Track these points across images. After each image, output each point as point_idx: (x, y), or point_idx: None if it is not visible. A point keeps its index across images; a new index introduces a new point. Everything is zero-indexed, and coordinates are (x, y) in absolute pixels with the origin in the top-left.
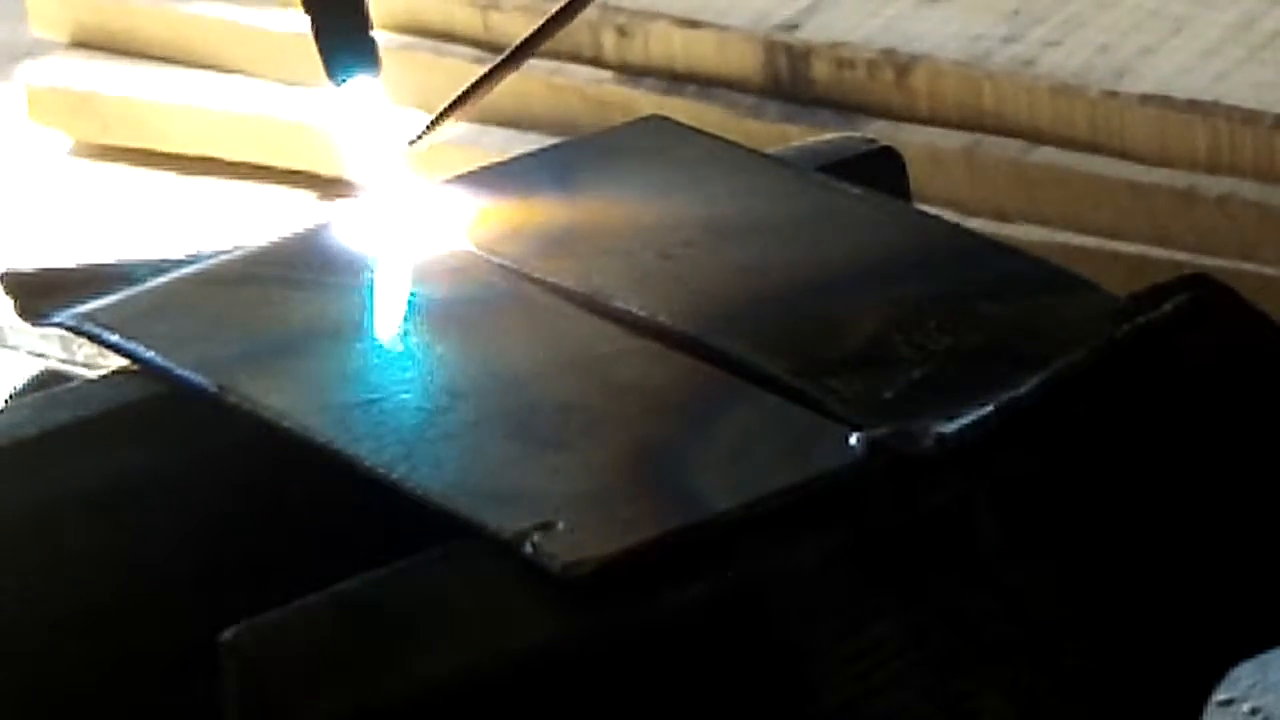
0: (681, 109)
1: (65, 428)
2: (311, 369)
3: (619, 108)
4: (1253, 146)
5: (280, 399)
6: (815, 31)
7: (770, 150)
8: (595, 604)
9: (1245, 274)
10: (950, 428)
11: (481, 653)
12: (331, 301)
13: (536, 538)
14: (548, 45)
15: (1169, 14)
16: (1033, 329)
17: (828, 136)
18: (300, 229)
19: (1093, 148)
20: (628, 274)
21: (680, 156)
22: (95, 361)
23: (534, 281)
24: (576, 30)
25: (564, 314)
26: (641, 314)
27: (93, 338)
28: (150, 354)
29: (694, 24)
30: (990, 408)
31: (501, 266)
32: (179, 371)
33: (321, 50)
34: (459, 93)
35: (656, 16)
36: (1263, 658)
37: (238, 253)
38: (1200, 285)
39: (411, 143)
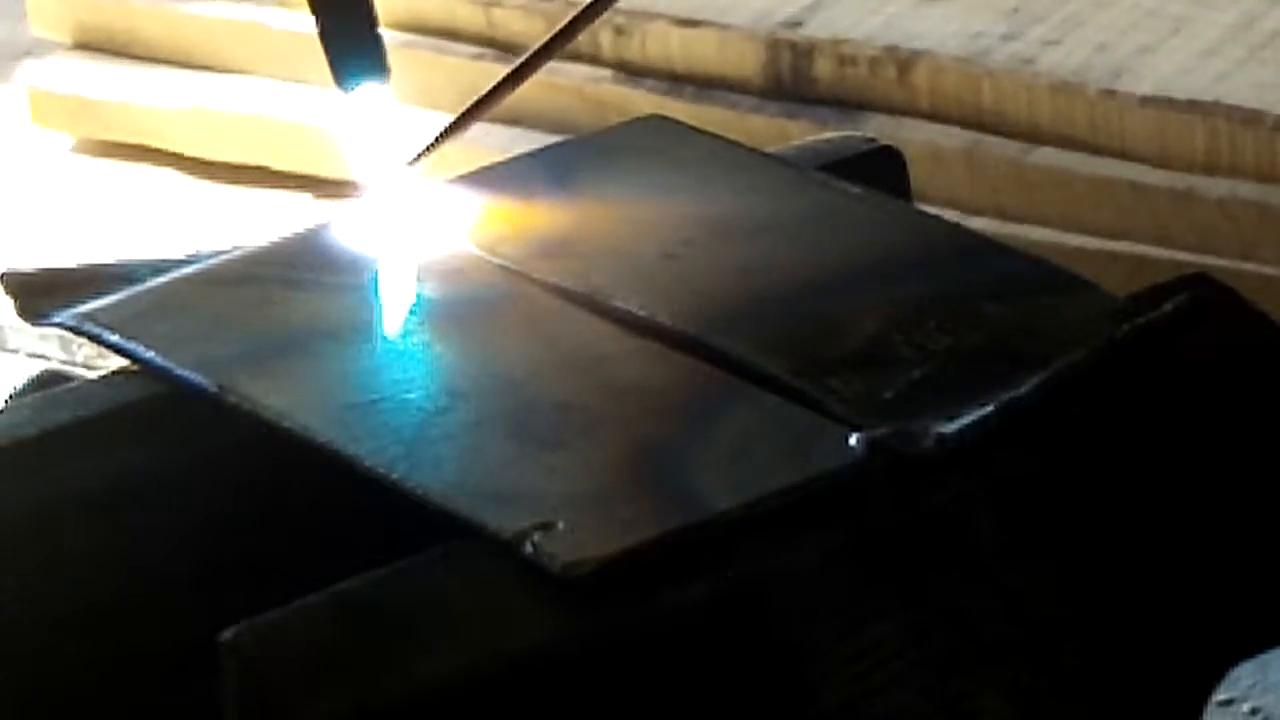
0: (681, 108)
1: (65, 428)
2: (311, 369)
3: (618, 107)
4: (1253, 147)
5: (280, 399)
6: (817, 29)
7: (771, 149)
8: (595, 604)
9: (1245, 274)
10: (950, 428)
11: (481, 653)
12: (331, 301)
13: (536, 538)
14: None
15: (1168, 14)
16: (1033, 329)
17: (828, 135)
18: (300, 229)
19: (1092, 148)
20: (628, 274)
21: (680, 156)
22: (95, 362)
23: (534, 281)
24: None
25: (564, 314)
26: (641, 314)
27: (93, 338)
28: (150, 354)
29: (694, 23)
30: (990, 408)
31: (501, 266)
32: (179, 371)
33: (330, 57)
34: (458, 114)
35: (655, 15)
36: (1263, 658)
37: (238, 253)
38: (1200, 285)
39: (412, 162)
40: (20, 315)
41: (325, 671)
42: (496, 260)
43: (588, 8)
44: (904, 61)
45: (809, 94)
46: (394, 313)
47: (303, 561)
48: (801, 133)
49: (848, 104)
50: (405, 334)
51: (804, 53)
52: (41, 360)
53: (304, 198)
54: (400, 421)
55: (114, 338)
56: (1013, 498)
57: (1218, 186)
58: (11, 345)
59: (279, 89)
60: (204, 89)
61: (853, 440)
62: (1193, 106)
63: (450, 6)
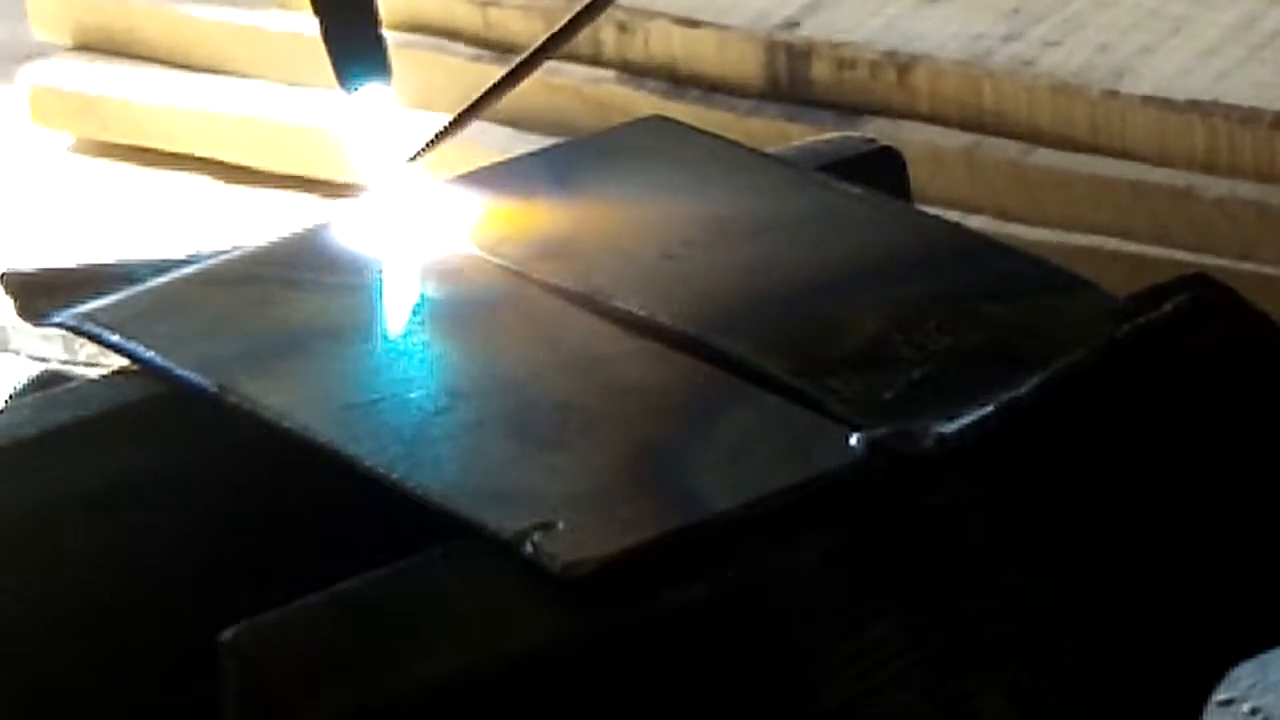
0: (681, 108)
1: (65, 428)
2: (311, 369)
3: (619, 107)
4: (1252, 146)
5: (280, 399)
6: (816, 30)
7: (771, 150)
8: (595, 604)
9: (1245, 273)
10: (950, 428)
11: (481, 653)
12: (331, 301)
13: (536, 538)
14: None
15: (1169, 14)
16: (1033, 329)
17: (828, 136)
18: (300, 229)
19: (1093, 148)
20: (628, 274)
21: (680, 156)
22: (95, 361)
23: (534, 281)
24: None
25: (564, 314)
26: (641, 314)
27: (93, 338)
28: (150, 354)
29: (694, 23)
30: (990, 408)
31: (502, 266)
32: (179, 371)
33: (333, 58)
34: (458, 112)
35: (656, 15)
36: (1263, 658)
37: (238, 253)
38: (1200, 285)
39: (412, 159)
40: (20, 315)
41: (325, 671)
42: (497, 260)
43: (588, 6)
44: (903, 65)
45: (807, 96)
46: (394, 313)
47: (303, 561)
48: (801, 135)
49: (846, 107)
50: (405, 334)
51: (802, 55)
52: (42, 362)
53: (304, 198)
54: (400, 421)
55: (114, 338)
56: (1013, 498)
57: (1217, 186)
58: (13, 346)
59: (279, 90)
60: (204, 90)
61: (853, 440)
62: (1193, 106)
63: (449, 7)
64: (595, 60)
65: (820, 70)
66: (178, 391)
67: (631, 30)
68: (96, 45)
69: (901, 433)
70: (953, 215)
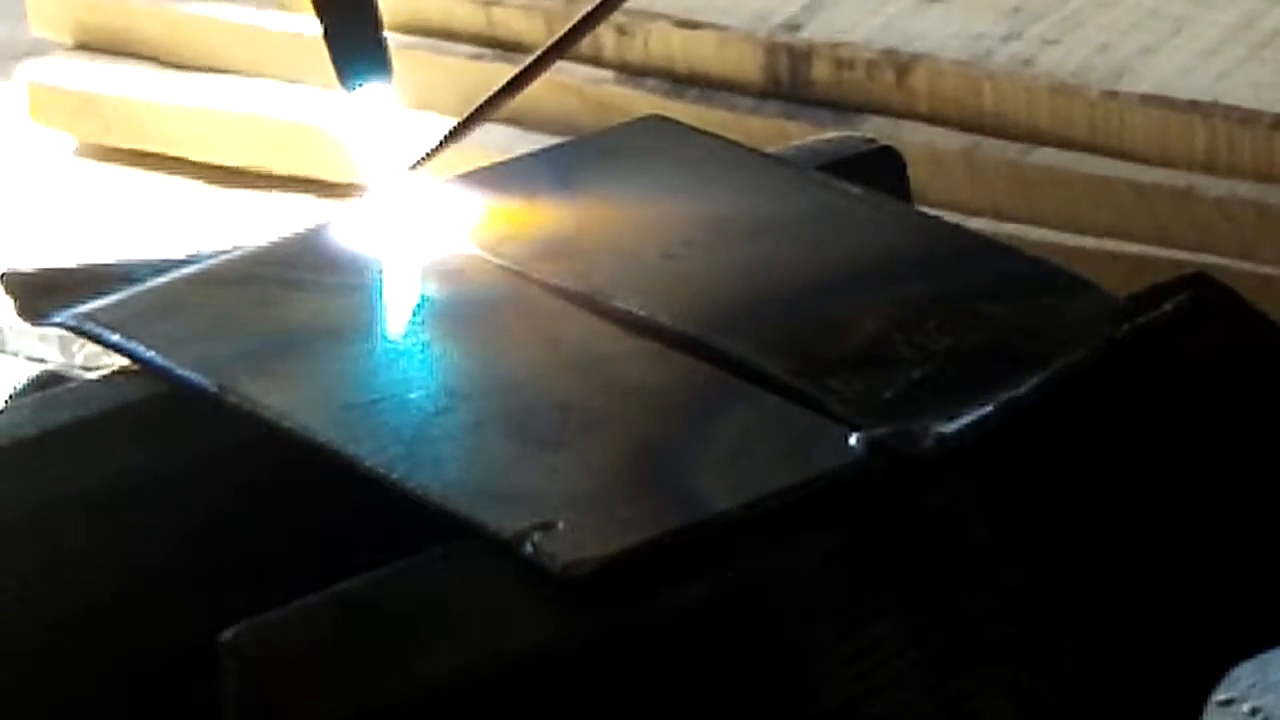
0: (681, 108)
1: (65, 428)
2: (311, 369)
3: (618, 107)
4: (1252, 146)
5: (280, 399)
6: (815, 31)
7: (770, 150)
8: (595, 604)
9: (1245, 274)
10: (950, 428)
11: (481, 653)
12: (331, 301)
13: (536, 538)
14: None
15: (1169, 13)
16: (1033, 329)
17: (828, 136)
18: (300, 229)
19: (1092, 148)
20: (628, 274)
21: (680, 156)
22: (95, 362)
23: (534, 281)
24: None
25: (564, 314)
26: (641, 314)
27: (93, 338)
28: (150, 354)
29: (694, 24)
30: (990, 408)
31: (502, 266)
32: (179, 371)
33: (334, 57)
34: (463, 118)
35: (656, 16)
36: (1263, 658)
37: (238, 253)
38: (1200, 285)
39: (415, 166)
40: (20, 315)
41: (325, 671)
42: (497, 260)
43: (593, 10)
44: (903, 65)
45: (807, 96)
46: (394, 313)
47: (303, 561)
48: (801, 134)
49: (846, 107)
50: (406, 334)
51: (802, 55)
52: (40, 363)
53: (304, 198)
54: (400, 421)
55: (114, 338)
56: (1013, 498)
57: (1217, 186)
58: (11, 347)
59: (279, 90)
60: (204, 90)
61: (853, 440)
62: (1192, 106)
63: (450, 7)
64: (595, 60)
65: (820, 70)
66: (178, 391)
67: (631, 32)
68: (96, 44)
69: (901, 433)
70: (952, 216)
